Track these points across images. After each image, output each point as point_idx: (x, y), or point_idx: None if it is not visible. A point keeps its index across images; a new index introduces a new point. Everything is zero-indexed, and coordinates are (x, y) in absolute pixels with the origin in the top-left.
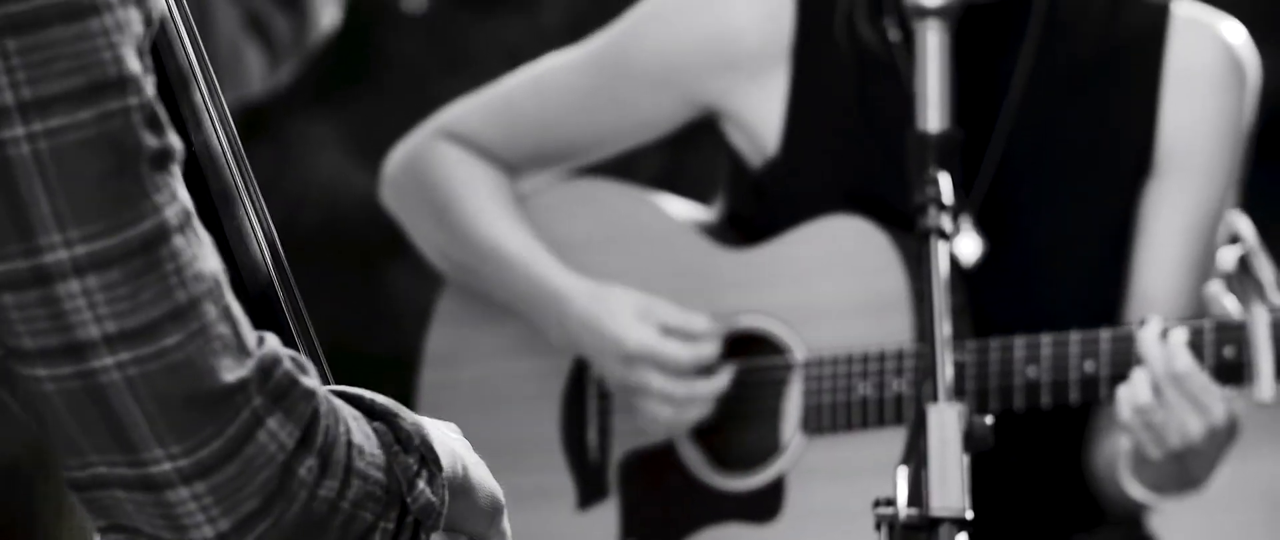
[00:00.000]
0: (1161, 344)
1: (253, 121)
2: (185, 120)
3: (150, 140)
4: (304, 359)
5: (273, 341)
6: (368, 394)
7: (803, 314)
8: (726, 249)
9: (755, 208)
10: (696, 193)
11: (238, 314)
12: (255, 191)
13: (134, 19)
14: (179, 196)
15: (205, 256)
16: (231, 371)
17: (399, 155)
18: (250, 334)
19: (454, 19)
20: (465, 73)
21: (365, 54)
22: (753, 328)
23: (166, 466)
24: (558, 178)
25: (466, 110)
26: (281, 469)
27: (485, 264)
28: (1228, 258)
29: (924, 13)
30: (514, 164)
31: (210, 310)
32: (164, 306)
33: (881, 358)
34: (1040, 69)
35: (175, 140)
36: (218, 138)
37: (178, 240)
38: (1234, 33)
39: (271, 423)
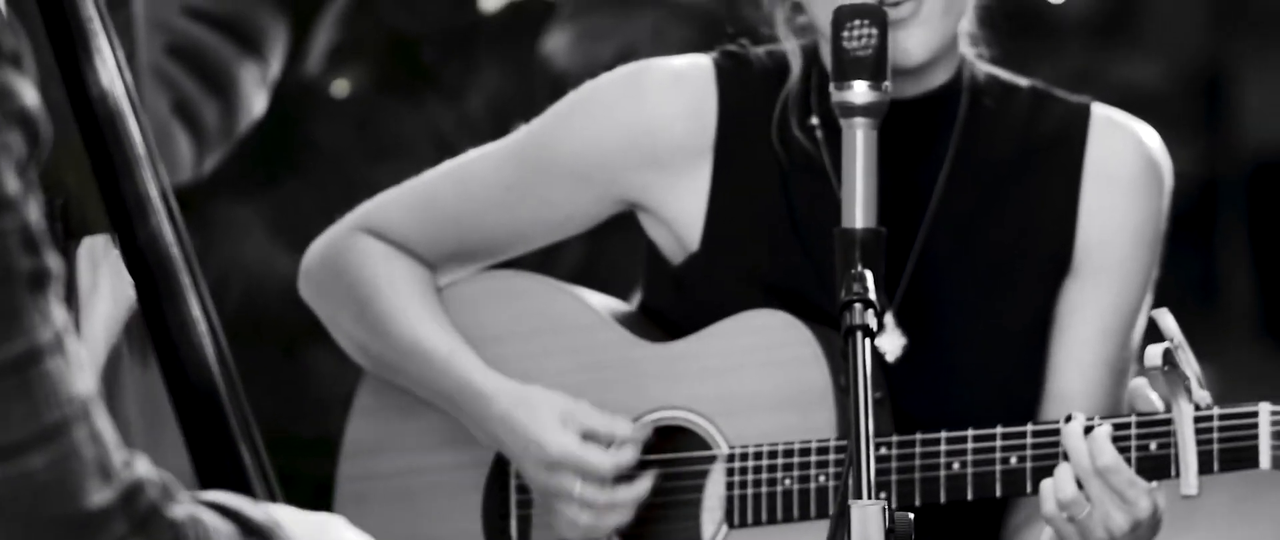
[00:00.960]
0: (1086, 439)
1: (178, 203)
2: (131, 212)
3: (24, 262)
4: (172, 483)
5: (141, 466)
6: (248, 508)
7: (725, 407)
8: (648, 342)
9: (676, 302)
10: (614, 284)
11: (107, 437)
12: (201, 284)
13: (14, 141)
14: (52, 318)
15: (77, 378)
16: (97, 493)
17: (318, 249)
18: (117, 457)
19: (379, 105)
20: (391, 159)
21: (291, 139)
22: (675, 420)
23: None
24: (477, 269)
25: (387, 205)
26: None
27: (407, 362)
28: (1153, 353)
29: (852, 110)
30: (435, 259)
31: (79, 432)
32: (31, 427)
33: (805, 451)
34: (961, 167)
35: (53, 262)
36: (164, 231)
37: (50, 363)
38: (1151, 136)
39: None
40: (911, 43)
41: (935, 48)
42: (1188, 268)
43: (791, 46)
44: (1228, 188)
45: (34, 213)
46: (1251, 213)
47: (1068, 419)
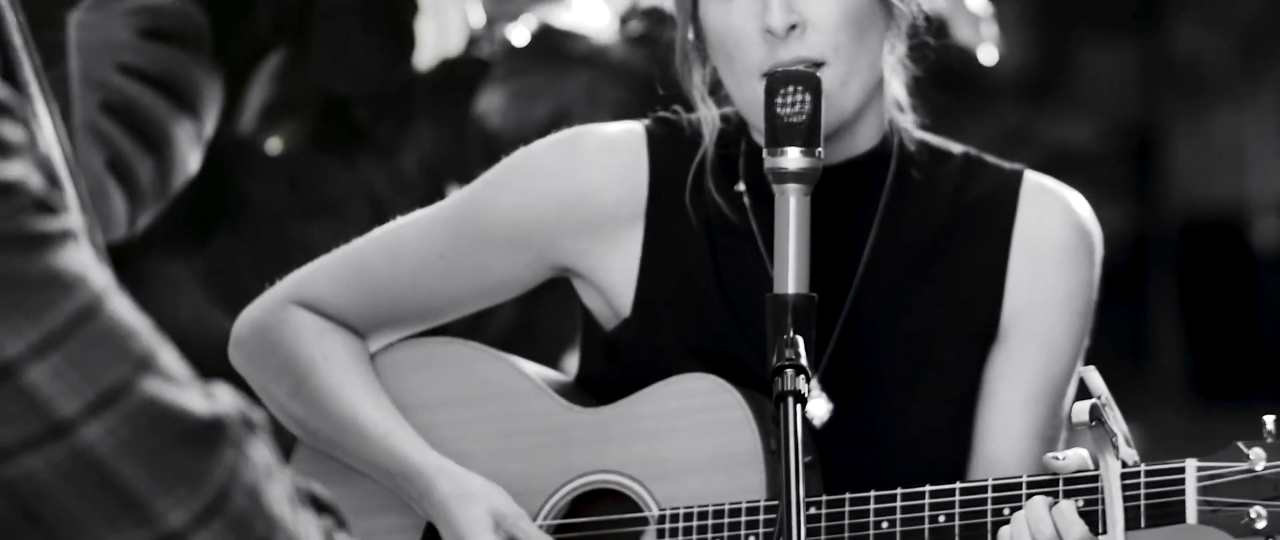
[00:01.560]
0: (1052, 512)
1: (112, 260)
2: None
3: (52, 224)
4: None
5: (220, 386)
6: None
7: (656, 470)
8: (579, 407)
9: (609, 368)
10: (545, 347)
11: (179, 364)
12: None
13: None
14: (93, 269)
15: (135, 318)
16: (203, 403)
17: (249, 319)
18: (195, 377)
19: (313, 164)
20: (324, 217)
21: (225, 197)
22: (606, 484)
23: (181, 514)
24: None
25: (318, 274)
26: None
27: (344, 437)
28: (1081, 410)
29: (785, 177)
30: (367, 327)
31: (165, 356)
32: (126, 364)
33: (736, 513)
34: (889, 233)
35: (74, 219)
36: None
37: (109, 307)
38: (1082, 204)
39: (249, 450)
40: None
41: (836, 121)
42: (1118, 326)
43: (709, 114)
44: (1158, 247)
45: (38, 181)
46: (1181, 272)
47: (997, 480)
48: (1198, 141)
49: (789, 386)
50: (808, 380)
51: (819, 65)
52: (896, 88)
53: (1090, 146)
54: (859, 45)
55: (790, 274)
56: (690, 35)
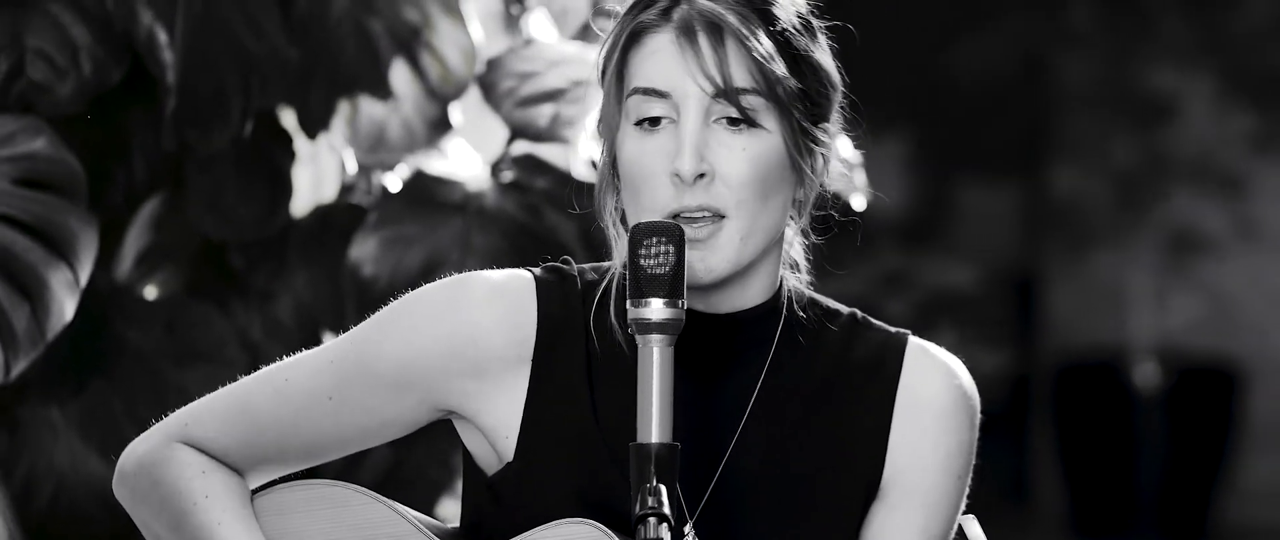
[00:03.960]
0: None
1: None
2: None
3: None
4: None
5: None
6: None
7: None
8: None
9: (492, 512)
10: (418, 494)
11: None
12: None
13: None
14: None
15: None
16: None
17: (135, 454)
18: None
19: (189, 310)
20: (200, 363)
21: (101, 343)
22: None
23: None
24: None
25: (203, 412)
26: None
27: None
28: None
29: (648, 327)
30: (250, 465)
31: None
32: None
33: None
34: (773, 387)
35: None
36: None
37: None
38: (962, 370)
39: None
40: (701, 267)
41: (725, 273)
42: (1000, 467)
43: (619, 243)
44: (1038, 388)
45: None
46: (1060, 413)
47: None
48: (1077, 284)
49: (651, 535)
50: (671, 529)
51: (721, 217)
52: (794, 249)
53: (970, 289)
54: (762, 205)
55: (654, 423)
56: (609, 164)
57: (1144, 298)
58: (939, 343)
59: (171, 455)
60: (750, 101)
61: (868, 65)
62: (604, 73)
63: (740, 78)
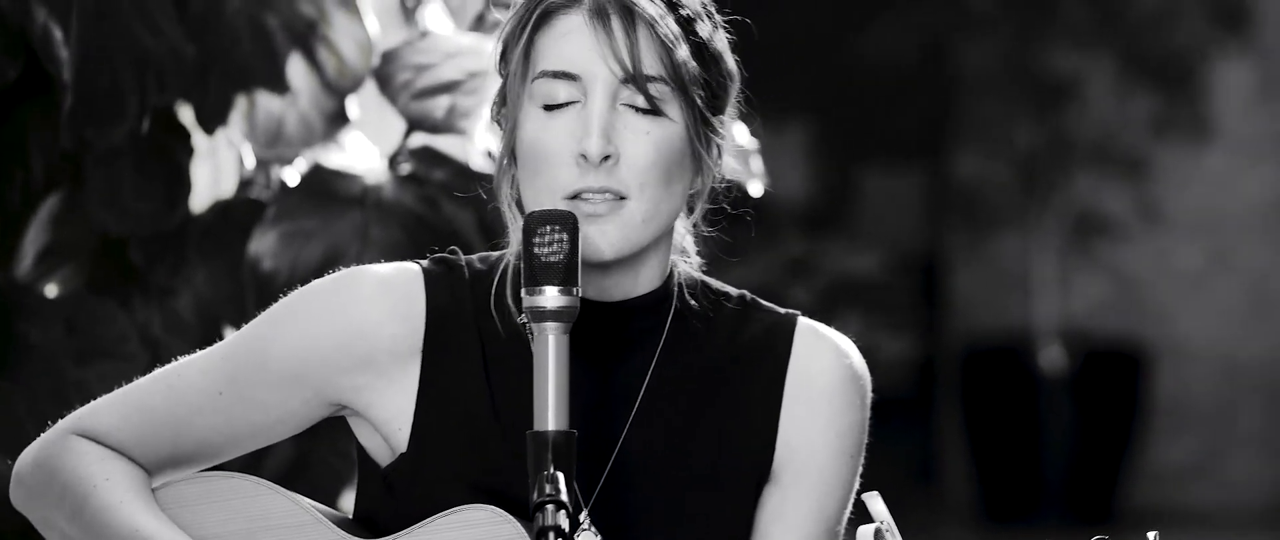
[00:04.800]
0: None
1: None
2: None
3: None
4: None
5: None
6: None
7: None
8: None
9: (386, 503)
10: (321, 486)
11: None
12: None
13: None
14: None
15: None
16: None
17: (30, 455)
18: None
19: (90, 307)
20: (102, 360)
21: (3, 341)
22: None
23: None
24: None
25: (100, 410)
26: None
27: None
28: (864, 534)
29: (543, 315)
30: (150, 464)
31: None
32: None
33: None
34: (665, 372)
35: None
36: None
37: None
38: (852, 349)
39: None
40: (603, 241)
41: (625, 250)
42: (908, 449)
43: (514, 226)
44: (944, 372)
45: None
46: (966, 397)
47: None
48: (981, 268)
49: (550, 522)
50: (569, 515)
51: (623, 198)
52: (685, 237)
53: (874, 275)
54: (665, 190)
55: (550, 410)
56: (509, 147)
57: (1048, 281)
58: (844, 329)
59: (68, 446)
60: (658, 89)
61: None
62: (505, 54)
63: (650, 64)
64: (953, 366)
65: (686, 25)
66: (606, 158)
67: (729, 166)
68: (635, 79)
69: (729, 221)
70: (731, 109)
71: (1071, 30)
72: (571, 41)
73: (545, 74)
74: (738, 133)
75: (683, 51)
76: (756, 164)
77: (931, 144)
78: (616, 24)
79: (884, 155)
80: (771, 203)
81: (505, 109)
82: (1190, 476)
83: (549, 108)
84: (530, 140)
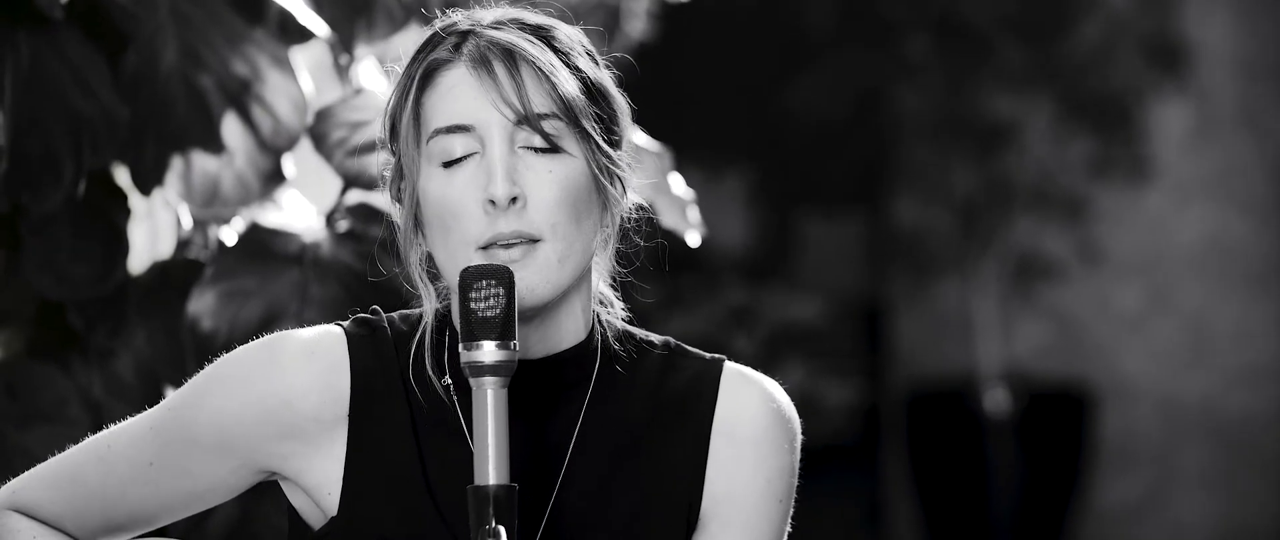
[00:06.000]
0: None
1: None
2: None
3: None
4: None
5: None
6: None
7: None
8: None
9: None
10: None
11: None
12: None
13: None
14: None
15: None
16: None
17: None
18: None
19: (30, 371)
20: (42, 424)
21: None
22: None
23: None
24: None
25: (33, 483)
26: None
27: None
28: None
29: (481, 370)
30: (84, 534)
31: None
32: None
33: None
34: (593, 425)
35: None
36: None
37: None
38: (779, 392)
39: None
40: (523, 286)
41: (547, 294)
42: (854, 496)
43: (429, 292)
44: (889, 418)
45: None
46: (911, 442)
47: None
48: (923, 313)
49: None
50: None
51: (536, 241)
52: (601, 285)
53: (817, 322)
54: (576, 228)
55: (490, 465)
56: (411, 216)
57: (990, 324)
58: (787, 377)
59: (3, 523)
60: (553, 125)
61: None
62: (394, 128)
63: (540, 103)
64: (897, 412)
65: (568, 61)
66: (514, 200)
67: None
68: (529, 119)
69: (669, 273)
70: (629, 146)
71: (1007, 74)
72: (459, 95)
73: (438, 131)
74: (673, 183)
75: (570, 86)
76: (693, 214)
77: (870, 190)
78: (499, 69)
79: (823, 202)
80: (711, 253)
81: (403, 182)
82: (1136, 516)
83: (448, 164)
84: (435, 199)
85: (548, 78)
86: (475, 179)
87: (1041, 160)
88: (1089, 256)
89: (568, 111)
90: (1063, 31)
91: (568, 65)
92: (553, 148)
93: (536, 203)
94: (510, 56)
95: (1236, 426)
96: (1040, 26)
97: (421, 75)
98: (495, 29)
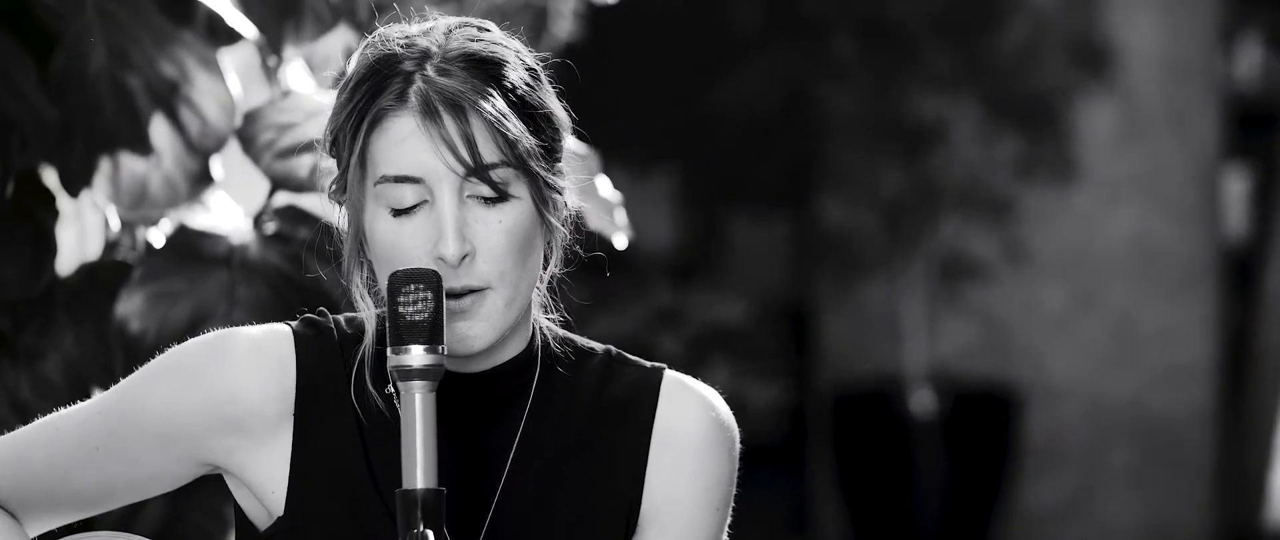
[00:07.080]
0: None
1: None
2: None
3: None
4: None
5: None
6: None
7: None
8: None
9: None
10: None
11: None
12: None
13: None
14: None
15: None
16: None
17: None
18: None
19: None
20: None
21: None
22: None
23: None
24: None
25: None
26: None
27: None
28: None
29: (410, 374)
30: (24, 511)
31: None
32: None
33: None
34: (533, 434)
35: None
36: None
37: None
38: (718, 401)
39: None
40: (471, 334)
41: (494, 340)
42: (780, 497)
43: (370, 312)
44: (814, 418)
45: None
46: (836, 443)
47: None
48: (849, 314)
49: None
50: None
51: (485, 289)
52: (542, 293)
53: (743, 323)
54: (522, 270)
55: (419, 468)
56: (356, 238)
57: (916, 325)
58: (713, 377)
59: None
60: (501, 174)
61: (632, 104)
62: (336, 143)
63: (489, 153)
64: (823, 413)
65: (514, 98)
66: (464, 257)
67: (592, 219)
68: (477, 172)
69: (596, 275)
70: (566, 155)
71: (934, 75)
72: (409, 147)
73: (387, 179)
74: (600, 185)
75: (516, 127)
76: (620, 216)
77: (797, 191)
78: (448, 121)
79: (749, 203)
80: (637, 253)
81: (346, 195)
82: (1062, 517)
83: (397, 212)
84: (384, 243)
85: (495, 125)
86: (424, 231)
87: (968, 161)
88: (1015, 257)
89: (516, 156)
90: (989, 32)
91: (514, 101)
92: (501, 196)
93: (485, 253)
94: (457, 107)
95: (1162, 427)
96: (966, 27)
97: (371, 119)
98: (444, 73)
